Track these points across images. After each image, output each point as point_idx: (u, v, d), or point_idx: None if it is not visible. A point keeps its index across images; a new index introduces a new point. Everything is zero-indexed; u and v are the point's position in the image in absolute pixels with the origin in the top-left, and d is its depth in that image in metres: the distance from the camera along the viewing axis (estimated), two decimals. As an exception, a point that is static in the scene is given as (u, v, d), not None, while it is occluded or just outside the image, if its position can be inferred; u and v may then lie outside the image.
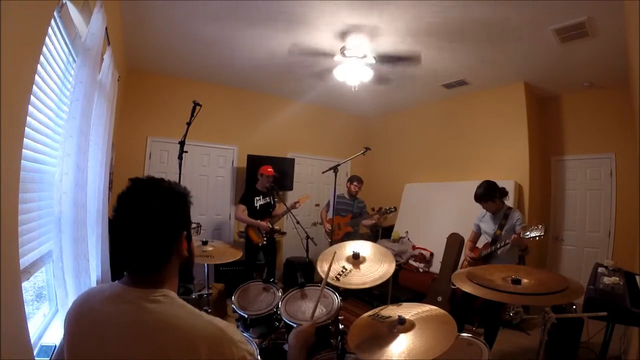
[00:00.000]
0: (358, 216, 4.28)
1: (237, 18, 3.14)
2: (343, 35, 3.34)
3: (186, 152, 2.69)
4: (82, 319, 0.79)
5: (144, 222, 0.78)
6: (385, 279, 1.72)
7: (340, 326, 1.80)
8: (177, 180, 2.59)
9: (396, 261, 4.47)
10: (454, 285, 1.64)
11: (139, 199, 0.79)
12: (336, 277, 1.77)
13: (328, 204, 4.46)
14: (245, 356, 0.77)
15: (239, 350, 0.76)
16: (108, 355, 0.72)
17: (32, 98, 1.23)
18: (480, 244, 3.14)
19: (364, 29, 3.20)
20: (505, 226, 2.87)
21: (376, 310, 1.62)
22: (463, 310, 2.91)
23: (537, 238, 2.52)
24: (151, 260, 0.80)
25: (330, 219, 4.23)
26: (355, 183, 4.39)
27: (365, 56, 3.57)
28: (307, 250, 4.27)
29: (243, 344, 0.77)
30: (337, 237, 4.16)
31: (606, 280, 1.95)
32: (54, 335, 1.49)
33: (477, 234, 3.18)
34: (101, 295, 0.81)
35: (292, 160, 5.52)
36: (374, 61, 3.69)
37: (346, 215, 4.34)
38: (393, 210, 4.15)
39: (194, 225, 1.01)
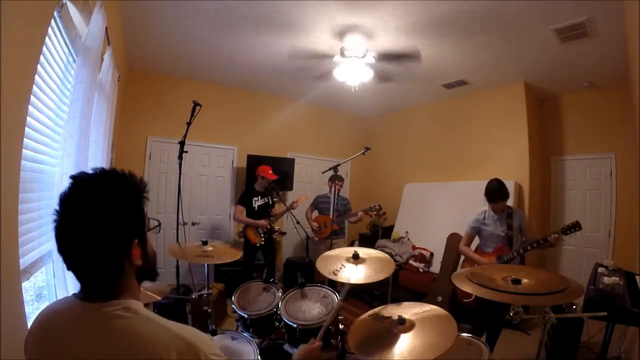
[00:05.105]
0: (343, 214, 4.28)
1: (234, 23, 3.18)
2: (341, 35, 3.34)
3: (186, 152, 2.69)
4: (42, 346, 0.71)
5: (82, 237, 0.67)
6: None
7: (340, 326, 1.80)
8: (177, 180, 2.63)
9: (396, 261, 4.52)
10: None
11: (77, 205, 0.67)
12: (333, 272, 1.80)
13: (313, 203, 4.44)
14: None
15: None
16: None
17: (32, 98, 1.23)
18: (473, 246, 3.03)
19: (361, 28, 3.19)
20: (513, 225, 2.82)
21: (376, 310, 1.62)
22: (492, 323, 2.74)
23: (577, 232, 2.49)
24: (95, 279, 0.70)
25: (319, 217, 4.25)
26: (337, 182, 4.42)
27: (364, 55, 3.57)
28: (307, 250, 4.28)
29: (215, 355, 0.71)
30: (324, 235, 4.15)
31: (606, 280, 1.95)
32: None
33: (473, 236, 3.03)
34: (58, 315, 0.74)
35: (292, 160, 5.51)
36: (374, 60, 3.69)
37: (330, 214, 4.34)
38: (377, 207, 4.19)
39: (155, 223, 0.84)
